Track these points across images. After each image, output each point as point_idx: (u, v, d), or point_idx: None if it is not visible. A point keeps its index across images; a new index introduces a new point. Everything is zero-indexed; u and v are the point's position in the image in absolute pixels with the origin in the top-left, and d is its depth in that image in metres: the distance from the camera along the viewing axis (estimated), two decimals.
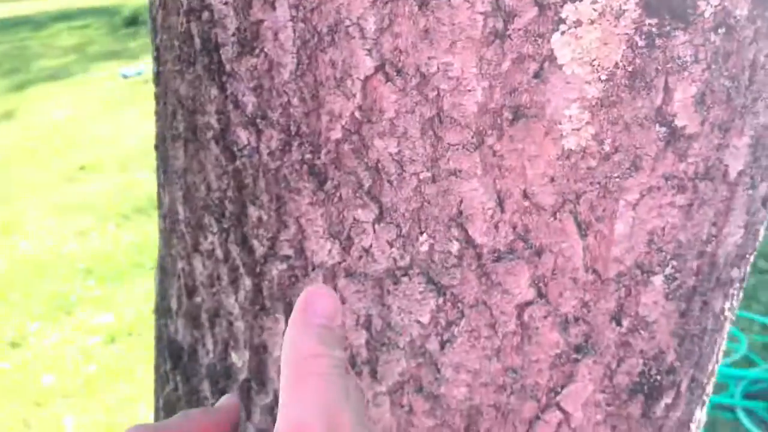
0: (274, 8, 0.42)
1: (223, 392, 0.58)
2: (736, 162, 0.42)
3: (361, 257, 0.45)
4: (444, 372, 0.47)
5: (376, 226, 0.44)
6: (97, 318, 2.76)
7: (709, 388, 0.56)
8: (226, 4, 0.44)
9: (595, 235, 0.42)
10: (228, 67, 0.46)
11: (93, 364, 2.48)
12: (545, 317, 0.44)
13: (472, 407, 0.48)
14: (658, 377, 0.48)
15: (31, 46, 7.50)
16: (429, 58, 0.39)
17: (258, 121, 0.46)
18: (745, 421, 2.16)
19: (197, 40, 0.47)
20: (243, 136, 0.47)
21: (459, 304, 0.45)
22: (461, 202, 0.42)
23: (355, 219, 0.45)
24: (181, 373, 0.62)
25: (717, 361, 0.54)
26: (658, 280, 0.44)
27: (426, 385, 0.48)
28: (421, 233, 0.43)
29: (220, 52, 0.46)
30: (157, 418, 0.70)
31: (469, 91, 0.39)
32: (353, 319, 0.48)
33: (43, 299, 2.89)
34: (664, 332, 0.46)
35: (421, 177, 0.42)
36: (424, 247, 0.44)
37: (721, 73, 0.39)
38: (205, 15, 0.46)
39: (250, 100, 0.46)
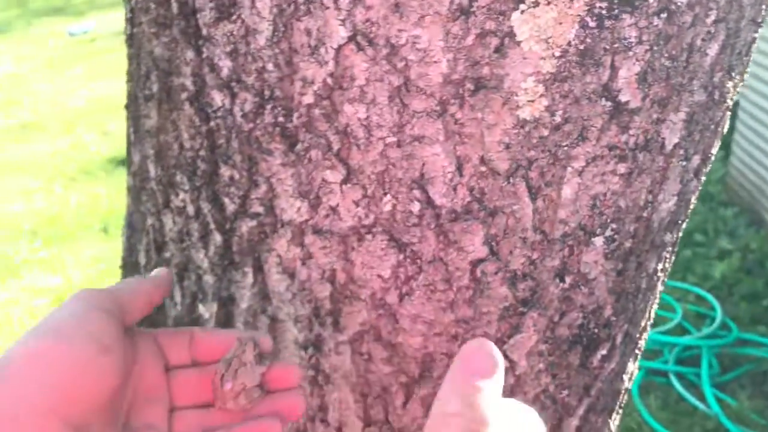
0: None
1: None
2: (672, 135, 0.47)
3: (328, 215, 0.49)
4: (402, 322, 0.51)
5: (344, 186, 0.47)
6: (44, 280, 2.72)
7: (641, 343, 0.61)
8: None
9: (544, 198, 0.46)
10: (205, 32, 0.48)
11: None
12: (496, 273, 0.48)
13: (426, 355, 0.52)
14: (596, 330, 0.52)
15: None
16: (399, 30, 0.42)
17: (233, 84, 0.48)
18: (677, 385, 2.28)
19: (174, 4, 0.49)
20: (217, 98, 0.49)
21: (418, 260, 0.48)
22: (423, 165, 0.45)
23: (323, 180, 0.48)
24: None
25: (649, 318, 0.60)
26: (599, 241, 0.48)
27: (385, 334, 0.51)
28: (385, 194, 0.47)
29: (197, 16, 0.48)
30: None
31: (435, 62, 0.42)
32: (319, 273, 0.51)
33: None
34: (603, 289, 0.51)
35: (387, 141, 0.45)
36: (387, 207, 0.47)
37: (661, 54, 0.43)
38: None
39: (225, 64, 0.48)
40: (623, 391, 0.62)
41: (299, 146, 0.47)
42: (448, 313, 0.50)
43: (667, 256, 0.56)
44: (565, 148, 0.44)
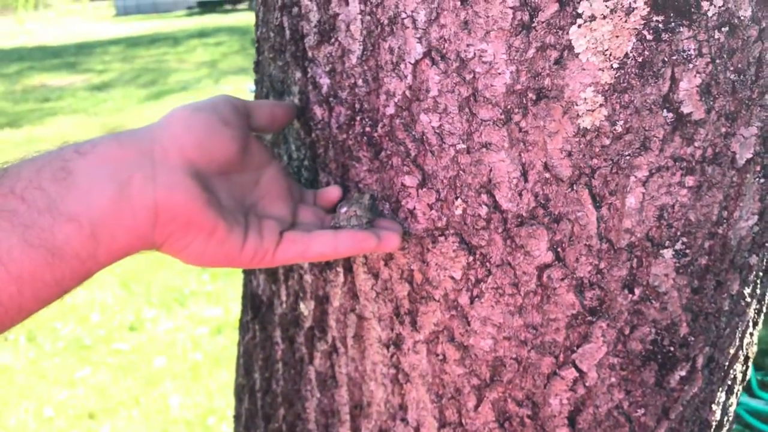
0: (347, 4, 0.51)
1: (291, 340, 0.67)
2: (744, 150, 0.47)
3: (406, 218, 0.53)
4: (473, 324, 0.53)
5: (420, 190, 0.52)
6: (206, 311, 2.96)
7: (735, 373, 0.59)
8: (311, 0, 0.54)
9: (608, 206, 0.48)
10: (309, 54, 0.55)
11: (199, 352, 2.67)
12: (562, 279, 0.50)
13: (496, 359, 0.54)
14: (671, 348, 0.52)
15: (169, 61, 8.10)
16: (467, 45, 0.46)
17: (330, 99, 0.55)
18: None
19: (287, 32, 0.57)
20: (318, 112, 0.56)
21: (487, 263, 0.51)
22: (490, 171, 0.49)
23: (402, 184, 0.52)
24: (259, 322, 0.72)
25: (741, 347, 0.58)
26: (668, 253, 0.49)
27: (457, 336, 0.54)
28: (456, 198, 0.50)
29: (305, 41, 0.55)
30: (237, 367, 0.80)
31: (500, 74, 0.46)
32: (398, 273, 0.55)
33: (160, 290, 3.14)
34: (676, 305, 0.51)
35: (457, 148, 0.49)
36: (458, 211, 0.51)
37: (726, 67, 0.44)
38: (295, 10, 0.56)
39: (325, 82, 0.55)
40: (715, 424, 0.60)
41: (383, 153, 0.53)
42: (516, 318, 0.52)
43: (755, 279, 0.54)
44: (628, 157, 0.46)
